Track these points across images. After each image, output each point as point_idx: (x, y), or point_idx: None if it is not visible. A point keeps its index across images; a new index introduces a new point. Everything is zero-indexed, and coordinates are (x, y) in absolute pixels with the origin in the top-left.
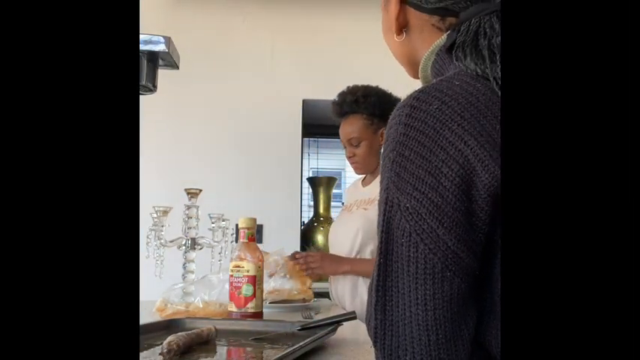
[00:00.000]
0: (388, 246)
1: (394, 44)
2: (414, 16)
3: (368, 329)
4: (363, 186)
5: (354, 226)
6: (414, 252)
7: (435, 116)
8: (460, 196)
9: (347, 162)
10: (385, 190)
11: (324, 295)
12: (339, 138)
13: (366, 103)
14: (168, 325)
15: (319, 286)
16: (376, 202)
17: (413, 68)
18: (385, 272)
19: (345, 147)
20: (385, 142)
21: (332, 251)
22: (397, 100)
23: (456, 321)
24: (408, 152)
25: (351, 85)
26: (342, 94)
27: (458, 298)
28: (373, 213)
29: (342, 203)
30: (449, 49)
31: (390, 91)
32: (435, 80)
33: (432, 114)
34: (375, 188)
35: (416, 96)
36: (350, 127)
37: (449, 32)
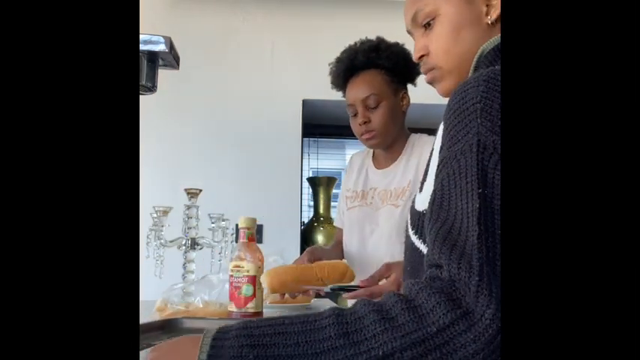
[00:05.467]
0: (487, 189)
1: (466, 39)
2: None
3: (468, 269)
4: (378, 168)
5: (386, 231)
6: None
7: None
8: None
9: (347, 162)
10: (476, 134)
11: (325, 294)
12: (339, 138)
13: (389, 52)
14: (164, 325)
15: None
16: (408, 194)
17: (466, 66)
18: (486, 213)
19: (354, 114)
20: (461, 100)
21: (357, 265)
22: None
23: None
24: (497, 105)
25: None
26: (350, 49)
27: None
28: (406, 213)
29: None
30: None
31: None
32: (497, 66)
33: None
34: (406, 171)
35: (489, 70)
36: (366, 83)
37: None
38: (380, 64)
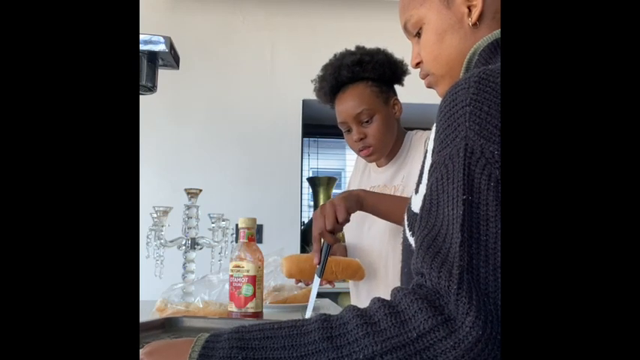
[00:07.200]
0: (473, 195)
1: (451, 44)
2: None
3: (448, 278)
4: (379, 166)
5: (382, 228)
6: None
7: None
8: None
9: (347, 162)
10: (464, 138)
11: (325, 295)
12: (339, 138)
13: (373, 63)
14: (165, 323)
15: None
16: (402, 190)
17: (457, 69)
18: (470, 220)
19: (348, 130)
20: (451, 103)
21: (358, 257)
22: (401, 61)
23: None
24: (486, 107)
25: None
26: (332, 65)
27: None
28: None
29: None
30: None
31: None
32: (490, 66)
33: (500, 84)
34: (399, 169)
35: (481, 70)
36: (355, 99)
37: None
38: (366, 75)
